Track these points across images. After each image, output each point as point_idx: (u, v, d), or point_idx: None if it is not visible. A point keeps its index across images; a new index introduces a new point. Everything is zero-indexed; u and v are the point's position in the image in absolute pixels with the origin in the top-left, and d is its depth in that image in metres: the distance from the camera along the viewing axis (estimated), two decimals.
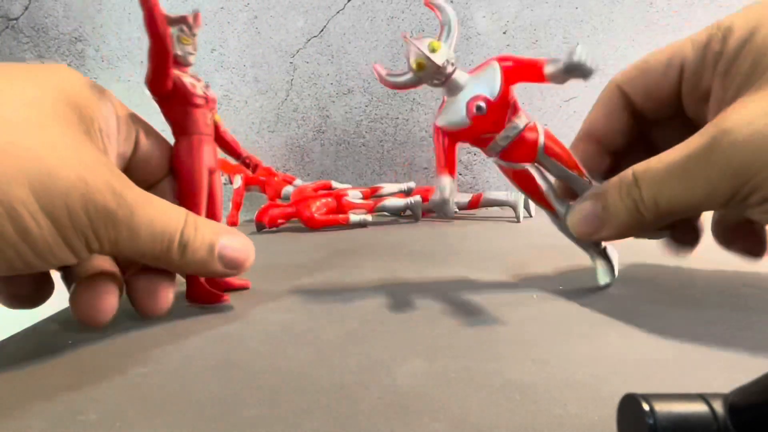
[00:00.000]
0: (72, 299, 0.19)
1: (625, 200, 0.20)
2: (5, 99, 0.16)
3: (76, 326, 0.21)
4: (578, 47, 0.21)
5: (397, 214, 0.53)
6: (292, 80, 0.70)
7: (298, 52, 0.69)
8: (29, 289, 0.19)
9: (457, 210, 0.25)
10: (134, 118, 0.21)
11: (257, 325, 0.21)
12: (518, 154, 0.24)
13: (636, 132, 0.24)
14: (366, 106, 0.69)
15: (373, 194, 0.53)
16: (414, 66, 0.23)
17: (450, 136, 0.24)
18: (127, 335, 0.20)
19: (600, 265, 0.25)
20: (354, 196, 0.51)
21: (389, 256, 0.34)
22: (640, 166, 0.20)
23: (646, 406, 0.10)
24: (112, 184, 0.17)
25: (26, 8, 0.73)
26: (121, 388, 0.16)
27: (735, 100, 0.18)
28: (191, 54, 0.22)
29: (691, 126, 0.22)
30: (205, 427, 0.13)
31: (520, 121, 0.23)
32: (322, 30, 0.69)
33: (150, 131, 0.22)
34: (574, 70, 0.21)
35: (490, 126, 0.23)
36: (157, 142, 0.22)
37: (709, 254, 0.26)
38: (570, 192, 0.25)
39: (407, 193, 0.55)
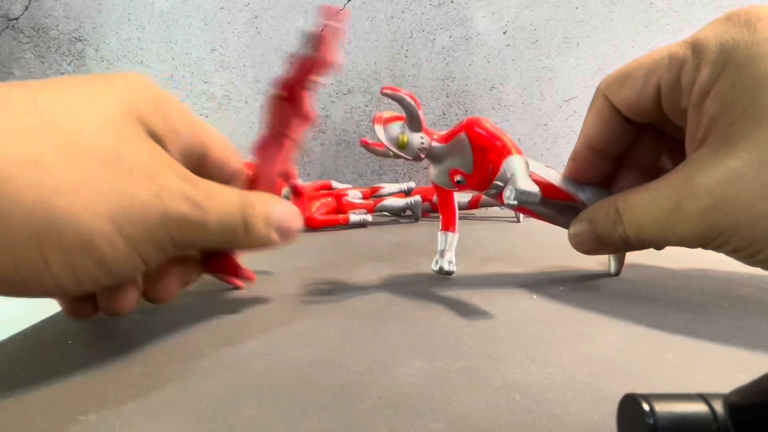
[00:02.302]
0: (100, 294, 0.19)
1: (613, 232, 0.22)
2: (79, 123, 0.15)
3: (76, 326, 0.21)
4: (516, 191, 0.20)
5: (397, 214, 0.53)
6: None
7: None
8: (92, 306, 0.19)
9: (454, 270, 0.27)
10: (202, 132, 0.20)
11: (257, 325, 0.21)
12: None
13: (634, 134, 0.24)
14: (366, 106, 0.69)
15: (373, 194, 0.53)
16: (391, 154, 0.24)
17: (445, 190, 0.27)
18: (127, 335, 0.20)
19: (612, 255, 0.28)
20: (354, 196, 0.51)
21: (389, 256, 0.34)
22: (621, 202, 0.22)
23: (646, 406, 0.10)
24: (184, 190, 0.17)
25: (26, 8, 0.73)
26: (121, 388, 0.16)
27: (703, 142, 0.19)
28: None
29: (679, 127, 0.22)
30: (205, 427, 0.13)
31: (504, 175, 0.23)
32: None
33: (219, 145, 0.21)
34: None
35: (474, 187, 0.25)
36: (226, 154, 0.21)
37: (709, 254, 0.26)
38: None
39: (407, 193, 0.55)
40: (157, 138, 0.18)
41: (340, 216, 0.47)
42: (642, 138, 0.25)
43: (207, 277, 0.29)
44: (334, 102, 0.70)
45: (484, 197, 0.50)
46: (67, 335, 0.20)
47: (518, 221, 0.48)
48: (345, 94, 0.69)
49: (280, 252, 0.37)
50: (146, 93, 0.18)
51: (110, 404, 0.15)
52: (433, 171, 0.26)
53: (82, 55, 0.73)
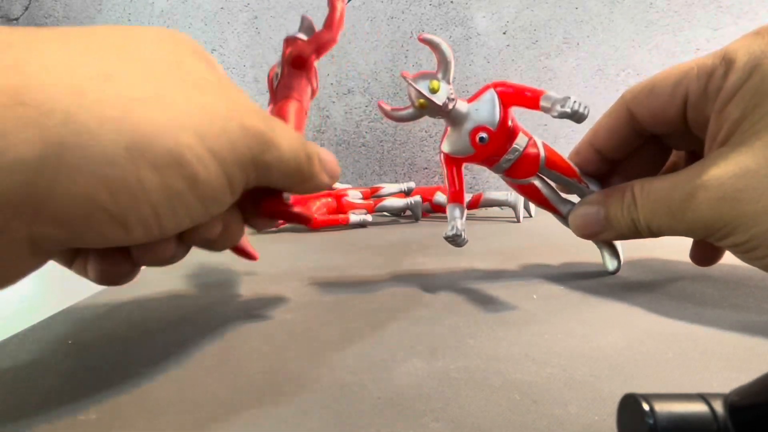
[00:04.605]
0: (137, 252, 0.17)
1: (626, 216, 0.23)
2: (136, 42, 0.15)
3: (76, 326, 0.21)
4: (571, 100, 0.22)
5: (397, 214, 0.53)
6: None
7: None
8: (127, 266, 0.17)
9: (467, 240, 0.26)
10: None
11: (257, 325, 0.21)
12: (522, 170, 0.25)
13: (637, 145, 0.26)
14: (366, 106, 0.69)
15: (373, 194, 0.53)
16: (416, 105, 0.24)
17: (456, 161, 0.26)
18: (126, 335, 0.20)
19: (606, 253, 0.28)
20: (354, 196, 0.51)
21: (389, 256, 0.34)
22: (638, 188, 0.22)
23: (646, 406, 0.10)
24: (255, 107, 0.17)
25: (26, 8, 0.73)
26: (121, 388, 0.16)
27: (723, 144, 0.20)
28: None
29: (695, 138, 0.23)
30: (205, 427, 0.13)
31: (522, 142, 0.25)
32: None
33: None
34: (566, 119, 0.23)
35: (493, 152, 0.25)
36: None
37: None
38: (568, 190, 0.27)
39: (407, 193, 0.55)
40: None
41: (340, 216, 0.47)
42: (641, 151, 0.26)
43: (204, 279, 0.29)
44: (334, 102, 0.70)
45: (484, 197, 0.50)
46: (67, 335, 0.20)
47: (518, 221, 0.48)
48: (345, 94, 0.69)
49: (280, 252, 0.37)
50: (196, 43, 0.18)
51: (110, 404, 0.15)
52: (448, 139, 0.25)
53: None
